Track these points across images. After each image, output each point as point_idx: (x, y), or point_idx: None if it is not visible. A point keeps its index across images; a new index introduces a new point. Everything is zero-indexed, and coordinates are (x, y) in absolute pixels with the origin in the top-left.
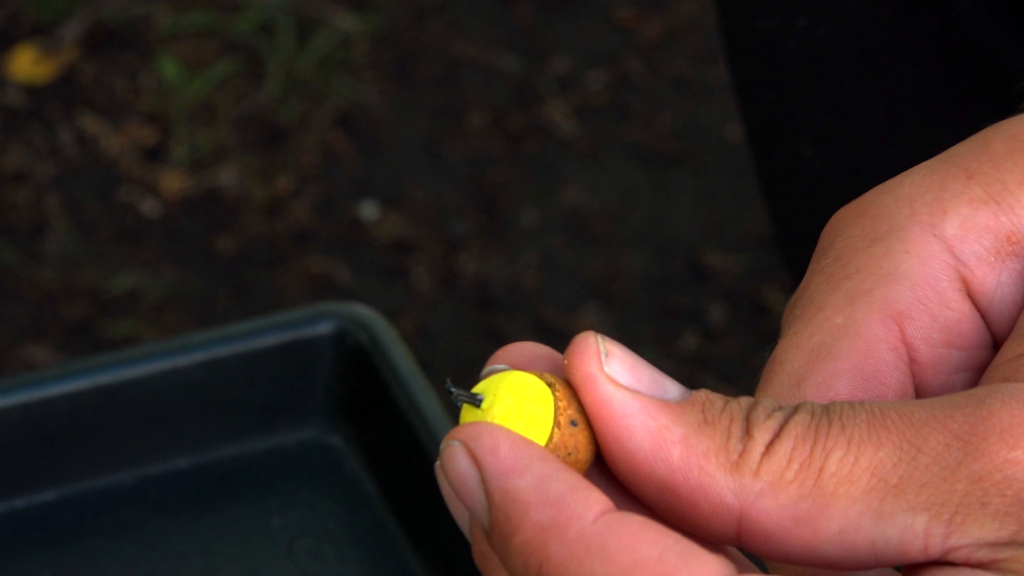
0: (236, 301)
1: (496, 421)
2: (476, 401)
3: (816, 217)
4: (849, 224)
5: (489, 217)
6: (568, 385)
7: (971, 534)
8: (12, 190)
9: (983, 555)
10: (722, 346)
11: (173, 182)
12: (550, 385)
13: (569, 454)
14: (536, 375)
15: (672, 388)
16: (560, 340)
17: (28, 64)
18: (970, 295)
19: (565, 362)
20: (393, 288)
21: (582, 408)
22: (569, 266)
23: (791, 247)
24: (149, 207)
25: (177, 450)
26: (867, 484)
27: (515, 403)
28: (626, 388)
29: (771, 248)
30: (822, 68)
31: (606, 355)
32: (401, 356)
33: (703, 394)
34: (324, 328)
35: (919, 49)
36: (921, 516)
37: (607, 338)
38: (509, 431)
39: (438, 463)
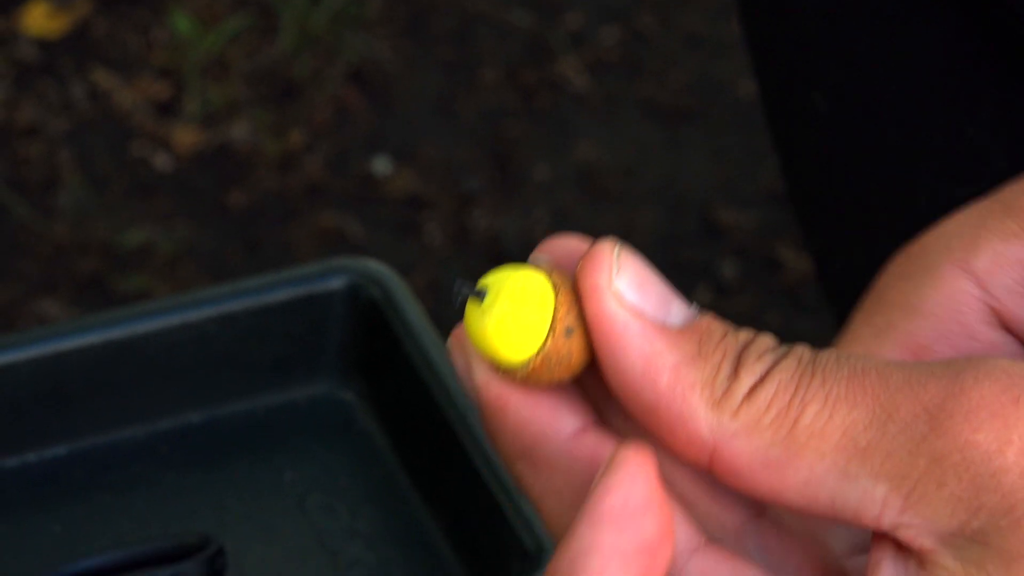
0: (248, 256)
1: (491, 323)
2: (480, 296)
3: (828, 172)
4: (894, 263)
5: (502, 172)
6: (575, 289)
7: (923, 514)
8: (25, 144)
9: (926, 543)
10: (734, 302)
11: (186, 137)
12: (555, 287)
13: (560, 361)
14: (546, 275)
15: (677, 311)
16: None
17: (41, 19)
18: (1006, 326)
19: (578, 267)
20: (405, 243)
21: (583, 313)
22: (581, 221)
23: (803, 203)
24: (162, 162)
25: (189, 405)
26: (837, 442)
27: (512, 308)
28: (629, 306)
29: (784, 204)
30: (837, 22)
31: (618, 269)
32: (413, 311)
33: (705, 322)
34: (336, 283)
35: (938, 4)
36: (882, 484)
37: (626, 250)
38: (490, 371)
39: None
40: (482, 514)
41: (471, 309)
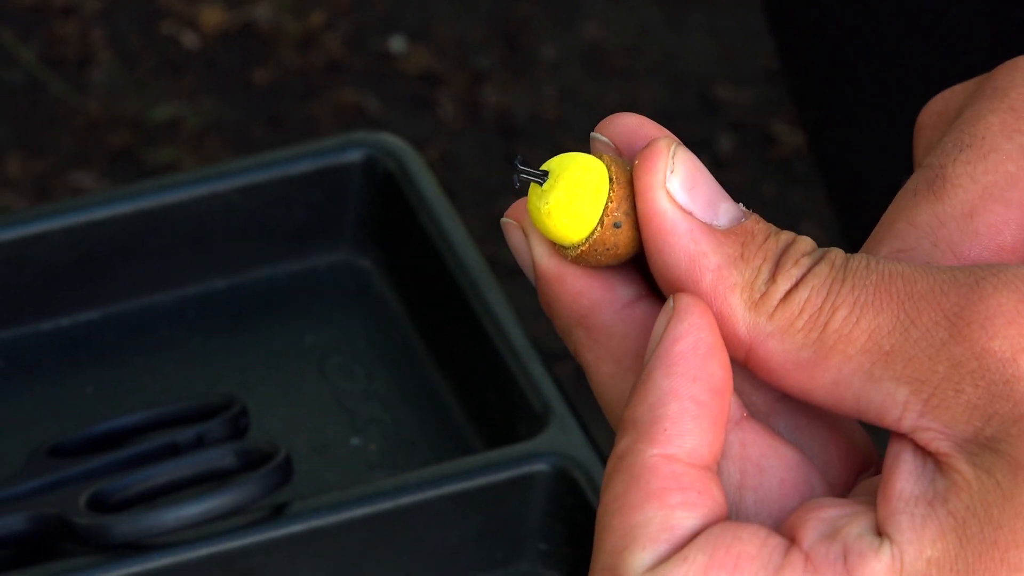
0: (271, 130)
1: (546, 207)
2: (540, 179)
3: (821, 49)
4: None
5: (511, 51)
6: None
7: (941, 419)
8: (60, 24)
9: (942, 447)
10: (731, 173)
11: (212, 16)
12: (611, 180)
13: (608, 249)
14: (606, 166)
15: (724, 213)
16: None
17: None
18: None
19: (635, 162)
20: (420, 118)
21: (635, 205)
22: (587, 98)
23: (797, 79)
24: (189, 40)
25: (215, 272)
26: (863, 345)
27: (567, 197)
28: (679, 206)
29: (778, 81)
30: None
31: (672, 168)
32: (428, 183)
33: (750, 224)
34: (354, 156)
35: None
36: (903, 388)
37: (681, 148)
38: (548, 245)
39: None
40: (492, 377)
41: (533, 189)
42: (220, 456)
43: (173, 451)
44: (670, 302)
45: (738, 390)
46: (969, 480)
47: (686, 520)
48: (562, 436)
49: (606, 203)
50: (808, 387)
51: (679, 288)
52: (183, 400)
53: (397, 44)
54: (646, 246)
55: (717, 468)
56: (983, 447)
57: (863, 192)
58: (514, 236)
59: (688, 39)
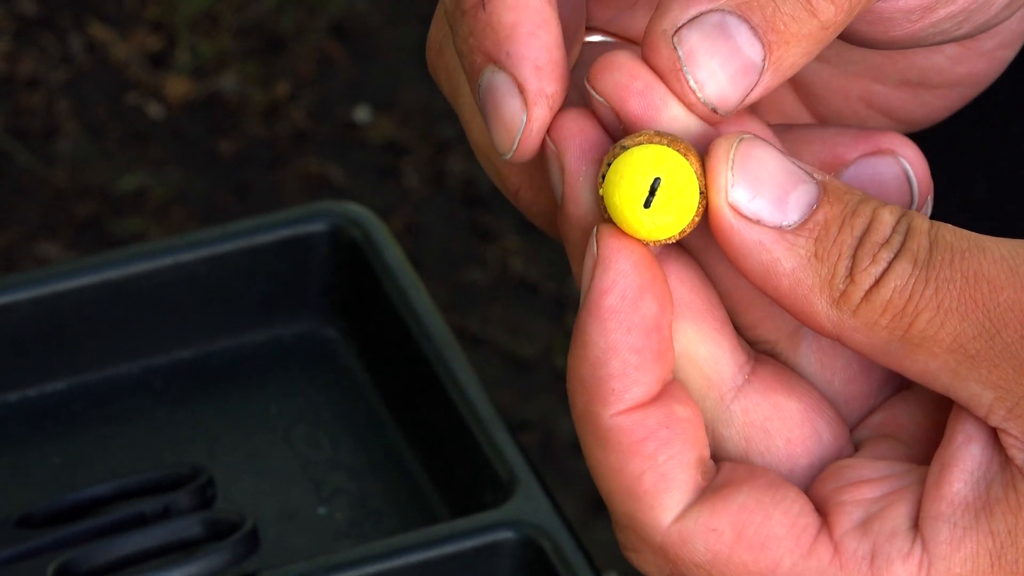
0: (237, 200)
1: (644, 224)
2: (651, 192)
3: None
4: None
5: None
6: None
7: (1022, 429)
8: (26, 95)
9: (1020, 456)
10: None
11: (177, 87)
12: (700, 183)
13: (684, 231)
14: (692, 167)
15: (795, 203)
16: (543, 236)
17: None
18: None
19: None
20: (385, 187)
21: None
22: None
23: None
24: (155, 111)
25: (181, 342)
26: (949, 346)
27: (664, 209)
28: (745, 215)
29: None
30: None
31: (731, 180)
32: (392, 252)
33: (821, 215)
34: (320, 225)
35: None
36: (989, 392)
37: (743, 143)
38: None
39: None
40: (457, 445)
41: (624, 193)
42: (187, 526)
43: (140, 521)
44: (593, 245)
45: (758, 317)
46: (1021, 501)
47: (671, 462)
48: (528, 504)
49: (694, 215)
50: (899, 371)
51: (761, 290)
52: (150, 470)
53: (362, 114)
54: (724, 255)
55: (672, 374)
56: None
57: None
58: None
59: None
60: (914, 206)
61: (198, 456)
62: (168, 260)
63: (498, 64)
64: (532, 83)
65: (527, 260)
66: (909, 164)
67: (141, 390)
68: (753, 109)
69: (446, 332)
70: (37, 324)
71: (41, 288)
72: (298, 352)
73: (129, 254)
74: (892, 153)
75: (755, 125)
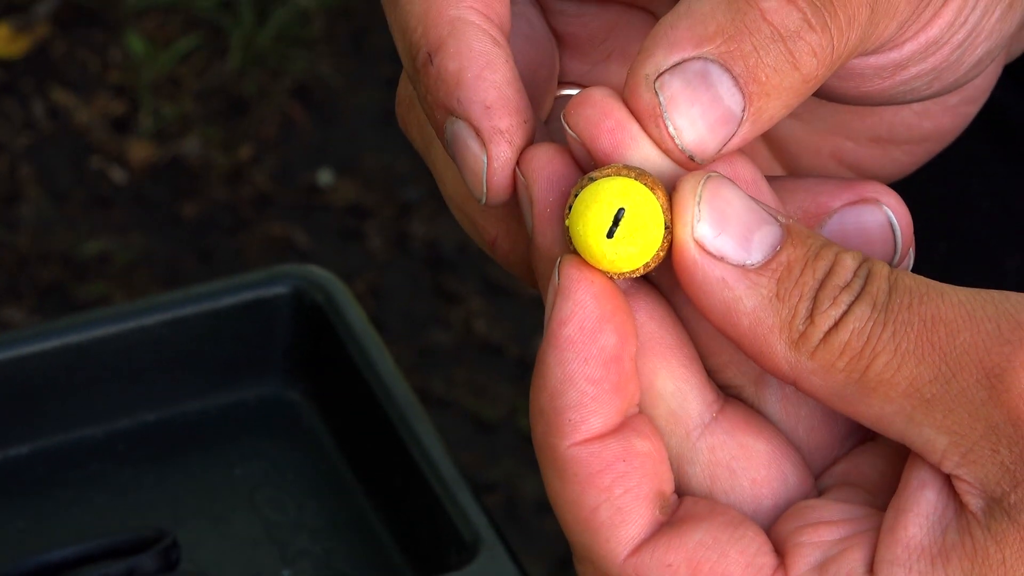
0: (200, 264)
1: (611, 248)
2: (614, 223)
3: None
4: None
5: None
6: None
7: (976, 475)
8: None
9: (973, 502)
10: None
11: (140, 151)
12: (665, 219)
13: (648, 265)
14: (659, 202)
15: (759, 243)
16: (506, 298)
17: (2, 41)
18: None
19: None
20: (348, 250)
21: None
22: None
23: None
24: (118, 175)
25: (144, 405)
26: (904, 390)
27: (632, 240)
28: (710, 254)
29: None
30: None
31: (698, 216)
32: (355, 315)
33: (784, 256)
34: (282, 289)
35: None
36: (943, 437)
37: (711, 181)
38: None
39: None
40: (422, 507)
41: (588, 223)
42: None
43: None
44: (555, 276)
45: (726, 360)
46: (977, 547)
47: (627, 495)
48: (492, 565)
49: (658, 248)
50: (852, 415)
51: (719, 328)
52: (114, 534)
53: (324, 177)
54: (684, 290)
55: (637, 407)
56: (1004, 513)
57: None
58: (520, 189)
59: None
60: (898, 253)
61: (162, 519)
62: (132, 324)
63: (454, 113)
64: (484, 123)
65: (491, 322)
66: (892, 212)
67: (105, 454)
68: (739, 152)
69: (410, 394)
70: (1, 388)
71: (5, 352)
72: (262, 415)
73: (93, 318)
74: (875, 201)
75: (743, 164)
